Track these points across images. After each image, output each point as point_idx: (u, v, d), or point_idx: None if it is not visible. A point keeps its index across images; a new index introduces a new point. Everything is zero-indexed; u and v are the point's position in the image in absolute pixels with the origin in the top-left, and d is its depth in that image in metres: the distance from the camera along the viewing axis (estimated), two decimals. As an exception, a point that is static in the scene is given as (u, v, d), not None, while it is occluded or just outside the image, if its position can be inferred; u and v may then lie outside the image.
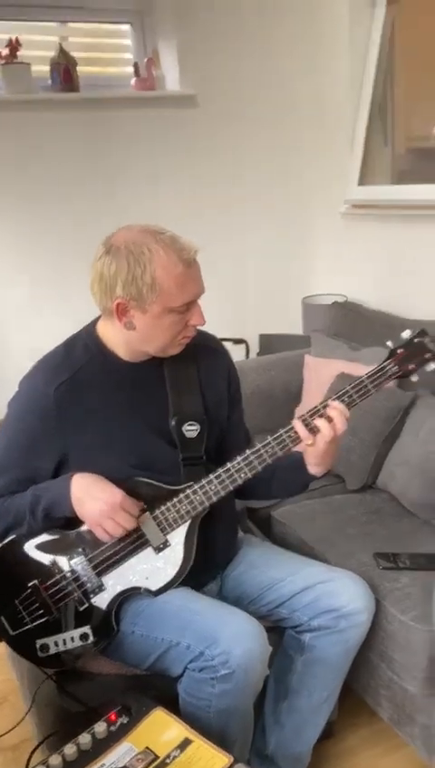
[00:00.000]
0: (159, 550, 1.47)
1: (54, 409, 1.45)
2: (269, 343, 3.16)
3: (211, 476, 1.47)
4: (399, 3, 2.76)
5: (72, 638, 1.46)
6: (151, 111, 2.95)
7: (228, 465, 1.47)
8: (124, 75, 3.05)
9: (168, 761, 1.18)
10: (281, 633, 1.61)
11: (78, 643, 1.46)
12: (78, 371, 1.48)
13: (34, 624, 1.45)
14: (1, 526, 1.48)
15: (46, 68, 2.82)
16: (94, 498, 1.39)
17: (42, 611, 1.45)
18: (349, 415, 1.44)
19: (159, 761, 1.18)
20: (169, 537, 1.48)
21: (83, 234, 2.82)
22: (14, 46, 2.72)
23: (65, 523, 1.47)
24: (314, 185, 3.18)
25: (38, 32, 2.88)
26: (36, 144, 2.79)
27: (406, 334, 1.48)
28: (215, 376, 1.63)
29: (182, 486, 1.48)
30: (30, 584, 1.45)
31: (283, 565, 1.63)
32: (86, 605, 1.46)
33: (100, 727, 1.25)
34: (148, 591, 1.47)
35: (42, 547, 1.48)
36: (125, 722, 1.27)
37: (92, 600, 1.46)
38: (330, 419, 1.44)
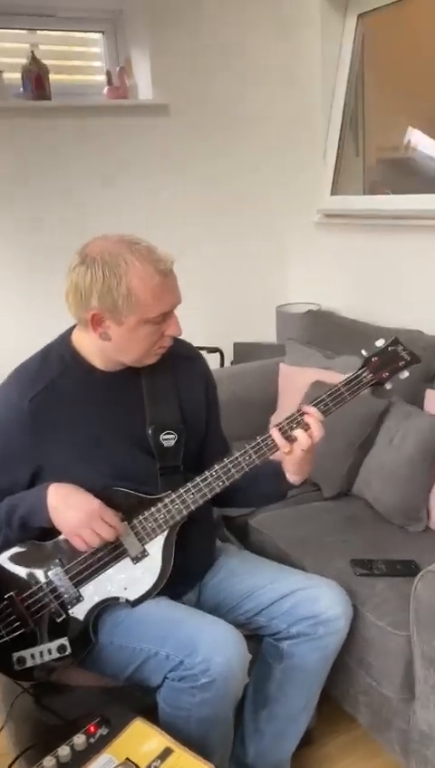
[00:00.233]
0: (136, 560, 1.47)
1: (29, 421, 1.44)
2: (244, 352, 3.16)
3: (189, 485, 1.47)
4: (369, 17, 2.80)
5: (50, 651, 1.44)
6: (124, 120, 2.95)
7: (206, 473, 1.47)
8: (96, 83, 3.05)
9: (148, 772, 1.17)
10: (259, 641, 1.61)
11: (55, 655, 1.44)
12: (53, 382, 1.47)
13: (11, 637, 1.43)
14: (-24, 538, 1.46)
15: (17, 75, 2.81)
16: (71, 507, 1.38)
17: (18, 624, 1.44)
18: (325, 421, 1.46)
19: (139, 772, 1.17)
20: (146, 547, 1.47)
21: (54, 241, 2.84)
22: (-15, 54, 2.71)
23: (41, 534, 1.46)
24: (287, 194, 3.21)
25: (9, 39, 2.86)
26: (7, 151, 2.77)
27: (380, 343, 1.51)
28: (192, 383, 1.63)
29: (160, 496, 1.48)
30: (6, 596, 1.44)
31: (261, 573, 1.63)
32: (63, 616, 1.45)
33: (79, 739, 1.23)
34: (126, 601, 1.46)
35: (17, 558, 1.46)
36: (105, 733, 1.26)
37: (70, 612, 1.45)
38: (307, 427, 1.45)
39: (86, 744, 1.23)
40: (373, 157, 2.94)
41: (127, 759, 1.20)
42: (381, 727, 1.71)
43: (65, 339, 1.53)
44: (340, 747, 1.86)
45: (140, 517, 1.47)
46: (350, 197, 2.93)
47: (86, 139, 2.89)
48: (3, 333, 2.85)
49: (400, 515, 2.03)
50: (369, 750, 1.84)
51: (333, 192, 2.98)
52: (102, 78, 3.04)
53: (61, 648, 1.44)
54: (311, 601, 1.55)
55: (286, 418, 1.47)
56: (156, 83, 2.95)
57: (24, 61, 2.80)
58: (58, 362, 1.50)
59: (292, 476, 1.55)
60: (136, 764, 1.19)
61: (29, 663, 1.44)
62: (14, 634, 1.43)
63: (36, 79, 2.79)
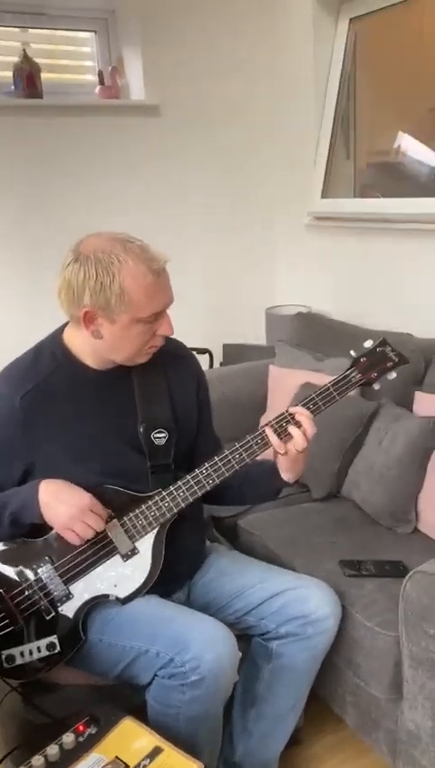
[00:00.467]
0: (127, 557, 1.46)
1: (21, 418, 1.44)
2: (233, 353, 3.17)
3: (180, 483, 1.48)
4: (361, 21, 2.82)
5: (39, 648, 1.43)
6: (115, 119, 2.95)
7: (197, 471, 1.48)
8: (87, 83, 3.05)
9: (138, 770, 1.17)
10: (248, 641, 1.61)
11: (45, 653, 1.43)
12: (44, 380, 1.47)
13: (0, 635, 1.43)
14: (-34, 535, 1.46)
15: (8, 73, 2.80)
16: (62, 502, 1.37)
17: (7, 621, 1.43)
18: (315, 419, 1.47)
19: (129, 770, 1.17)
20: (137, 544, 1.47)
21: (44, 240, 2.84)
22: (-23, 51, 2.70)
23: (32, 531, 1.45)
24: (278, 197, 3.22)
25: (1, 37, 2.85)
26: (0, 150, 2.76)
27: (368, 344, 1.52)
28: (183, 382, 1.63)
29: (151, 493, 1.48)
30: (-5, 594, 1.43)
31: (251, 573, 1.64)
32: (53, 614, 1.44)
33: (68, 738, 1.22)
34: (116, 599, 1.46)
35: (7, 556, 1.45)
36: (93, 732, 1.25)
37: (60, 609, 1.44)
38: (298, 425, 1.45)
39: (75, 743, 1.23)
40: (364, 160, 2.96)
41: (116, 758, 1.19)
42: (369, 727, 1.72)
43: (57, 336, 1.53)
44: (327, 747, 1.86)
45: (131, 515, 1.46)
46: (340, 200, 2.95)
47: (78, 139, 2.88)
48: (7, 332, 2.84)
49: (388, 517, 2.04)
50: (356, 750, 1.84)
51: (324, 195, 2.99)
52: (93, 78, 3.04)
53: (50, 646, 1.43)
54: (300, 601, 1.56)
55: (276, 417, 1.48)
56: (147, 83, 2.95)
57: (14, 59, 2.79)
58: (50, 360, 1.50)
59: (285, 475, 1.56)
60: (125, 763, 1.18)
61: (18, 661, 1.43)
62: (4, 632, 1.43)
63: (28, 77, 2.78)
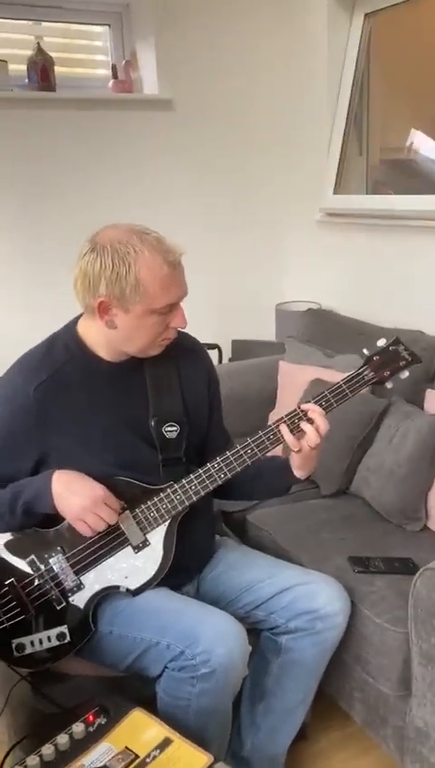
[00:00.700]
0: (138, 549, 1.46)
1: (34, 409, 1.44)
2: (242, 349, 3.16)
3: (191, 476, 1.48)
4: (376, 15, 2.81)
5: (49, 638, 1.44)
6: (128, 114, 2.94)
7: (208, 465, 1.48)
8: (99, 77, 3.05)
9: (148, 760, 1.17)
10: (257, 635, 1.61)
11: (55, 643, 1.44)
12: (58, 371, 1.47)
13: (10, 623, 1.43)
14: (-22, 524, 1.46)
15: (22, 67, 2.80)
16: (75, 493, 1.37)
17: (18, 610, 1.43)
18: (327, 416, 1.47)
19: (139, 760, 1.17)
20: (148, 536, 1.47)
21: (56, 234, 2.83)
22: (-10, 43, 2.70)
23: (44, 522, 1.45)
24: (289, 192, 3.21)
25: (14, 30, 2.85)
26: (11, 143, 2.76)
27: (381, 342, 1.53)
28: (195, 377, 1.63)
29: (162, 486, 1.48)
30: (6, 582, 1.43)
31: (261, 567, 1.64)
32: (64, 604, 1.44)
33: (78, 728, 1.23)
34: (127, 590, 1.46)
35: (19, 545, 1.45)
36: (103, 722, 1.25)
37: (70, 599, 1.45)
38: (311, 422, 1.45)
39: (85, 733, 1.23)
40: (377, 157, 2.95)
41: (126, 748, 1.20)
42: (377, 724, 1.71)
43: (70, 328, 1.53)
44: (334, 743, 1.86)
45: (143, 507, 1.46)
46: (352, 197, 2.94)
47: (90, 132, 2.88)
48: (12, 325, 2.84)
49: (398, 514, 2.03)
50: (363, 746, 1.84)
51: (336, 191, 2.98)
52: (105, 72, 3.04)
53: (60, 636, 1.44)
54: (310, 597, 1.55)
55: (287, 414, 1.48)
56: (161, 78, 2.94)
57: (28, 52, 2.79)
58: (63, 351, 1.50)
59: (298, 471, 1.56)
60: (135, 754, 1.18)
61: (28, 650, 1.43)
62: (14, 620, 1.43)
63: (42, 70, 2.78)
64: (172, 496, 1.47)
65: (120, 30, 3.03)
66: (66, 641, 1.44)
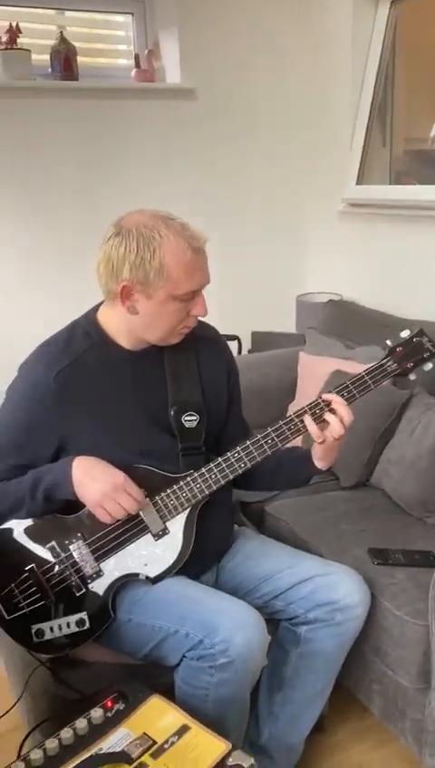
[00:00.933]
0: (157, 536, 1.46)
1: (54, 396, 1.44)
2: (262, 341, 3.15)
3: (211, 465, 1.47)
4: (401, 4, 2.77)
5: (69, 624, 1.44)
6: (150, 103, 2.94)
7: (228, 454, 1.47)
8: (122, 67, 3.04)
9: (166, 746, 1.17)
10: (276, 625, 1.61)
11: (74, 629, 1.44)
12: (78, 358, 1.47)
13: (30, 609, 1.43)
14: (-1, 511, 1.46)
15: (45, 56, 2.80)
16: (96, 480, 1.37)
17: (38, 596, 1.44)
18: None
19: (156, 746, 1.17)
20: (168, 524, 1.47)
21: (79, 222, 2.84)
22: (13, 32, 2.70)
23: (64, 508, 1.45)
24: (311, 183, 3.19)
25: (37, 20, 2.85)
26: (34, 132, 2.76)
27: (405, 333, 1.51)
28: (215, 367, 1.63)
29: (182, 474, 1.48)
30: (27, 568, 1.44)
31: (280, 558, 1.63)
32: (83, 590, 1.45)
33: (96, 713, 1.23)
34: (146, 578, 1.46)
35: (40, 531, 1.46)
36: (121, 708, 1.25)
37: (90, 586, 1.45)
38: (334, 412, 1.44)
39: (103, 718, 1.23)
40: (400, 147, 2.92)
41: (144, 734, 1.20)
42: (395, 716, 1.70)
43: (91, 316, 1.53)
44: (351, 735, 1.85)
45: (162, 494, 1.46)
46: (376, 187, 2.91)
47: (113, 121, 2.88)
48: (33, 315, 2.85)
49: (418, 507, 2.02)
50: (381, 739, 1.83)
51: (359, 182, 2.96)
52: (127, 62, 3.03)
53: (80, 623, 1.44)
54: (329, 588, 1.54)
55: (308, 405, 1.47)
56: (184, 67, 2.93)
57: (51, 42, 2.79)
58: (84, 338, 1.50)
59: (319, 462, 1.55)
60: (153, 739, 1.18)
61: (47, 636, 1.44)
62: (34, 606, 1.43)
63: (65, 59, 2.78)
64: (192, 485, 1.46)
65: (142, 19, 3.02)
66: (85, 628, 1.44)
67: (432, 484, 1.99)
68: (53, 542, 1.45)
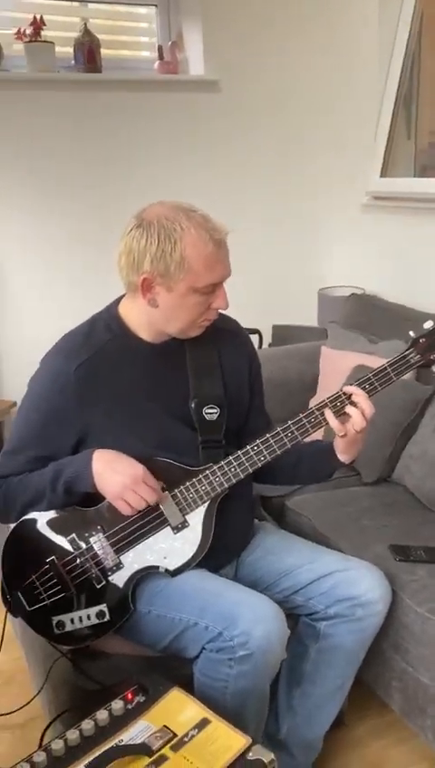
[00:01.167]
0: (177, 529, 1.46)
1: (75, 388, 1.44)
2: (283, 334, 3.14)
3: (231, 458, 1.47)
4: (428, -6, 2.73)
5: (89, 616, 1.44)
6: (174, 95, 2.93)
7: (248, 447, 1.47)
8: (145, 59, 3.04)
9: (186, 739, 1.16)
10: (295, 620, 1.60)
11: (94, 621, 1.45)
12: (99, 351, 1.47)
13: (51, 600, 1.44)
14: (20, 502, 1.47)
15: (69, 49, 2.81)
16: (116, 472, 1.38)
17: (59, 588, 1.44)
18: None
19: (177, 739, 1.16)
20: (187, 517, 1.46)
21: (101, 215, 2.84)
22: (37, 25, 2.70)
23: (84, 500, 1.46)
24: (335, 175, 3.17)
25: (61, 12, 2.85)
26: (58, 124, 2.77)
27: (428, 324, 1.49)
28: (236, 360, 1.62)
29: (202, 467, 1.47)
30: (48, 560, 1.44)
31: (300, 552, 1.62)
32: (103, 583, 1.45)
33: (117, 705, 1.23)
34: (166, 571, 1.46)
35: (60, 524, 1.46)
36: (142, 700, 1.26)
37: (110, 578, 1.45)
38: (355, 405, 1.43)
39: (124, 710, 1.23)
40: (425, 140, 2.88)
41: (164, 726, 1.20)
42: (415, 714, 1.69)
43: (112, 309, 1.53)
44: (371, 731, 1.84)
45: (182, 487, 1.46)
46: (400, 180, 2.87)
47: (136, 113, 2.88)
48: (55, 308, 2.87)
49: (441, 503, 2.00)
50: (400, 735, 1.82)
51: (383, 174, 2.93)
52: (150, 54, 3.02)
53: (100, 615, 1.44)
54: (350, 583, 1.53)
55: (329, 397, 1.46)
56: (207, 59, 2.92)
57: (75, 34, 2.79)
58: (105, 331, 1.50)
59: (342, 455, 1.54)
60: (173, 732, 1.18)
61: (68, 627, 1.45)
62: (55, 598, 1.44)
63: (88, 51, 2.78)
64: (211, 478, 1.46)
65: (166, 10, 3.01)
66: (106, 620, 1.45)
67: (455, 480, 1.98)
68: (74, 535, 1.45)
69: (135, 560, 1.46)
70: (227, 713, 1.28)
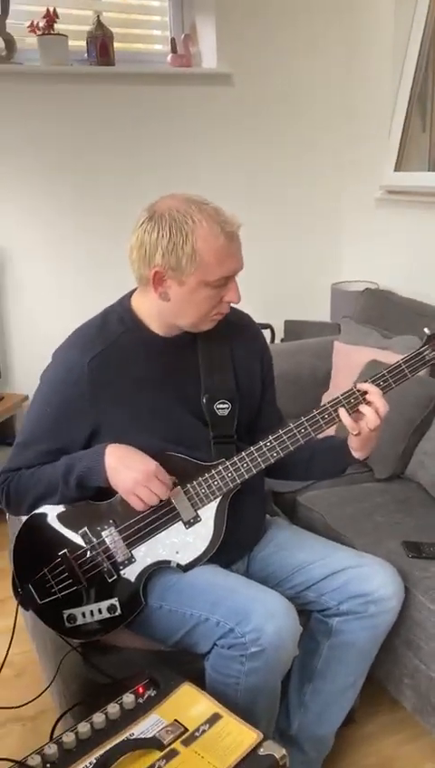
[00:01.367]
0: (189, 524, 1.46)
1: (88, 381, 1.44)
2: (295, 329, 3.13)
3: (243, 454, 1.46)
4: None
5: (100, 610, 1.44)
6: (186, 88, 2.92)
7: (260, 443, 1.46)
8: (157, 53, 3.03)
9: (197, 734, 1.16)
10: (307, 616, 1.59)
11: (105, 615, 1.44)
12: (112, 344, 1.46)
13: (62, 594, 1.44)
14: (32, 495, 1.47)
15: (82, 42, 2.80)
16: (129, 468, 1.37)
17: (70, 581, 1.44)
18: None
19: (188, 734, 1.16)
20: (199, 512, 1.46)
21: (114, 208, 2.84)
22: (51, 18, 2.70)
23: (97, 495, 1.46)
24: (349, 169, 3.15)
25: (74, 5, 2.85)
26: (71, 117, 2.77)
27: None
28: (248, 355, 1.61)
29: (214, 463, 1.47)
30: (60, 553, 1.44)
31: (312, 548, 1.61)
32: (115, 577, 1.45)
33: (128, 698, 1.23)
34: (177, 566, 1.45)
35: (72, 517, 1.46)
36: (153, 695, 1.25)
37: (121, 573, 1.45)
38: (369, 403, 1.42)
39: (135, 704, 1.23)
40: (440, 134, 2.86)
41: (175, 721, 1.19)
42: (427, 711, 1.68)
43: (124, 302, 1.53)
44: (383, 728, 1.84)
45: (194, 482, 1.45)
46: (414, 174, 2.86)
47: (149, 107, 2.87)
48: (67, 302, 2.87)
49: (454, 500, 1.99)
50: (412, 732, 1.81)
51: (397, 168, 2.90)
52: (163, 47, 3.01)
53: (111, 609, 1.44)
54: (362, 580, 1.52)
55: (343, 394, 1.44)
56: (220, 52, 2.91)
57: (88, 27, 2.78)
58: (118, 324, 1.49)
59: (356, 452, 1.53)
60: (184, 727, 1.18)
61: (79, 621, 1.45)
62: (66, 591, 1.44)
63: (101, 45, 2.78)
64: (224, 473, 1.46)
65: (179, 3, 3.00)
66: (117, 614, 1.45)
67: (469, 476, 1.96)
68: (86, 528, 1.45)
69: (147, 554, 1.45)
70: (239, 709, 1.27)
